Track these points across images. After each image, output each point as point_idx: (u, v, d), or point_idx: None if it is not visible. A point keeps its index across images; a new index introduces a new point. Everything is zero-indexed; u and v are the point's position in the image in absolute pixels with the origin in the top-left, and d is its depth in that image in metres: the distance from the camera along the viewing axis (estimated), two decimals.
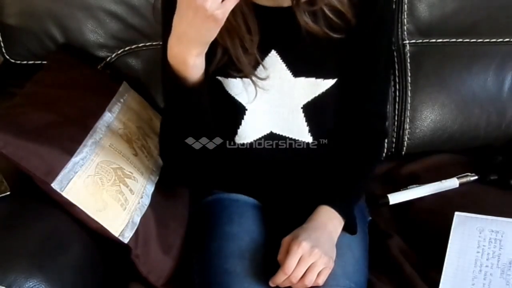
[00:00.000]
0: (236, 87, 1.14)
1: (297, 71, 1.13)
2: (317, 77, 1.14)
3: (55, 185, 1.05)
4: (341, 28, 1.08)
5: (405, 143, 1.47)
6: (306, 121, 1.16)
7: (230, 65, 1.10)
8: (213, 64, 1.09)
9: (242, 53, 1.08)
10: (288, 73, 1.13)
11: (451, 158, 1.47)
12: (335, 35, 1.08)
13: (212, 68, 1.09)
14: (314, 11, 1.07)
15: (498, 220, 1.17)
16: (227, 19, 0.96)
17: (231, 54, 1.08)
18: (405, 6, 1.42)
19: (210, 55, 1.05)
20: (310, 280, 1.02)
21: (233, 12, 0.97)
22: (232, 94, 1.14)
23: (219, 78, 1.13)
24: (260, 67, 1.11)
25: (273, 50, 1.12)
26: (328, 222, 1.10)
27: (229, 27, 1.04)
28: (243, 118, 1.16)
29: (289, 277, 1.02)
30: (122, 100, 1.28)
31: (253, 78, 1.11)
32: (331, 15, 1.07)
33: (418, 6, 1.42)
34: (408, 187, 1.37)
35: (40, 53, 1.40)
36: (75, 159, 1.09)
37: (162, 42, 1.11)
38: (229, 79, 1.13)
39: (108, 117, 1.21)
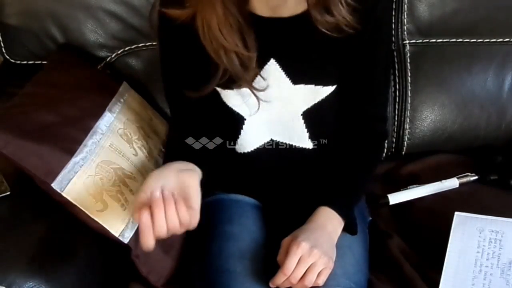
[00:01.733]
0: (234, 99, 1.13)
1: (296, 79, 1.12)
2: (317, 84, 1.13)
3: (55, 185, 1.05)
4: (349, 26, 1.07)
5: (405, 143, 1.46)
6: (306, 127, 1.16)
7: (229, 79, 1.09)
8: (213, 82, 1.08)
9: (242, 70, 1.06)
10: (287, 81, 1.12)
11: (451, 158, 1.47)
12: (349, 30, 1.06)
13: (212, 86, 1.08)
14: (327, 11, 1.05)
15: (498, 220, 1.17)
16: (223, 37, 0.96)
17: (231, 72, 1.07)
18: (405, 6, 1.42)
19: (210, 74, 1.05)
20: (310, 280, 1.02)
21: (229, 29, 0.95)
22: (230, 105, 1.14)
23: (217, 89, 1.12)
24: (259, 77, 1.10)
25: (272, 59, 1.11)
26: (328, 222, 1.10)
27: (226, 46, 1.04)
28: (242, 128, 1.16)
29: (288, 278, 1.02)
30: (122, 100, 1.28)
31: (253, 89, 1.10)
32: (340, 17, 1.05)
33: (418, 6, 1.42)
34: (408, 187, 1.37)
35: (40, 53, 1.40)
36: (75, 159, 1.09)
37: (160, 62, 1.15)
38: (227, 90, 1.12)
39: (108, 117, 1.21)
